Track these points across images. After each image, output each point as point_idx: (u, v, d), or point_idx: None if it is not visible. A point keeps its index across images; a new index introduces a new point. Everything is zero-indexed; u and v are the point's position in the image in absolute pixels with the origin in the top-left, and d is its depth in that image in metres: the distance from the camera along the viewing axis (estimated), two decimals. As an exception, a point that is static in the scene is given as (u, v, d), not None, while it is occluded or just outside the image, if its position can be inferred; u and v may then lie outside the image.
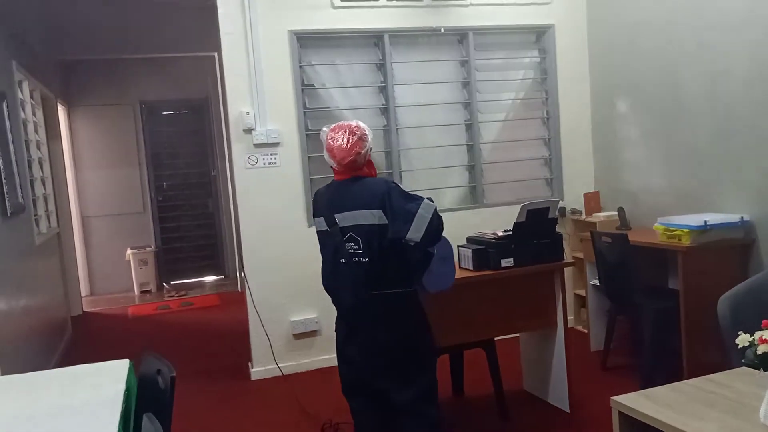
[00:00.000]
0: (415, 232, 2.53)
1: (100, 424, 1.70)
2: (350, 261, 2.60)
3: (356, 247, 2.58)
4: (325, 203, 2.70)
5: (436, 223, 2.56)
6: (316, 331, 4.47)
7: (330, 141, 2.63)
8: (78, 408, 1.88)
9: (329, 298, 2.82)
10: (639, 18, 4.46)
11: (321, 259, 2.78)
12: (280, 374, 4.27)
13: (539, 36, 5.01)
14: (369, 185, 2.65)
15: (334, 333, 2.86)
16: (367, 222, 2.57)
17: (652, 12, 4.34)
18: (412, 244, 2.55)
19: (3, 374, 3.16)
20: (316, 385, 4.14)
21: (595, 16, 4.94)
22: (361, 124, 2.70)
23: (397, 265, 2.61)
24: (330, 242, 2.66)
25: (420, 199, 2.58)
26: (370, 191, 2.61)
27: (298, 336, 4.45)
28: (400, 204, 2.56)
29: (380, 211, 2.56)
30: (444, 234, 2.66)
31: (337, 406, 3.63)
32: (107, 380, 2.07)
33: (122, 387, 2.00)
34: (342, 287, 2.67)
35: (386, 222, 2.55)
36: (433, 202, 2.60)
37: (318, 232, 2.75)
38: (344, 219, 2.60)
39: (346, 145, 2.60)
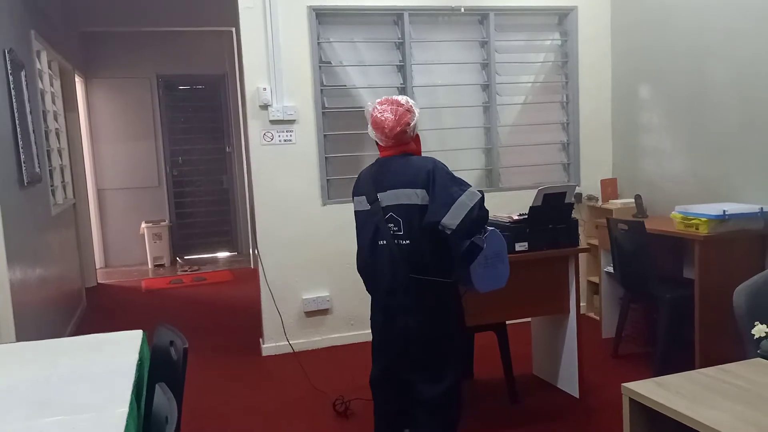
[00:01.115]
0: (452, 218, 2.36)
1: (113, 392, 1.72)
2: (390, 243, 2.46)
3: (396, 228, 2.46)
4: (368, 181, 2.57)
5: (477, 214, 2.38)
6: (327, 309, 4.49)
7: (378, 114, 2.51)
8: (92, 376, 1.89)
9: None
10: (665, 2, 4.37)
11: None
12: (291, 351, 4.30)
13: (561, 18, 4.93)
14: (415, 163, 2.51)
15: (370, 321, 2.73)
16: (409, 202, 2.44)
17: (677, -3, 4.26)
18: (448, 231, 2.37)
19: (19, 341, 3.20)
20: (326, 362, 4.16)
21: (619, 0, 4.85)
22: (409, 99, 2.60)
23: (439, 252, 2.45)
24: (370, 222, 2.53)
25: (466, 185, 2.43)
26: (414, 169, 2.48)
27: (309, 314, 4.47)
28: (444, 186, 2.40)
29: (424, 190, 2.42)
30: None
31: (347, 384, 3.66)
32: (121, 350, 2.09)
33: (135, 357, 2.01)
34: (380, 270, 2.52)
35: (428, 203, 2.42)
36: (481, 192, 2.44)
37: (356, 212, 2.61)
38: (386, 198, 2.49)
39: (395, 116, 2.49)
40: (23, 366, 2.04)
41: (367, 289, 2.68)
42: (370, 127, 2.57)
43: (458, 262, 2.47)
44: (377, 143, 2.62)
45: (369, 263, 2.56)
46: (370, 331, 2.77)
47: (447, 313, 2.56)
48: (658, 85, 4.55)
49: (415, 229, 2.43)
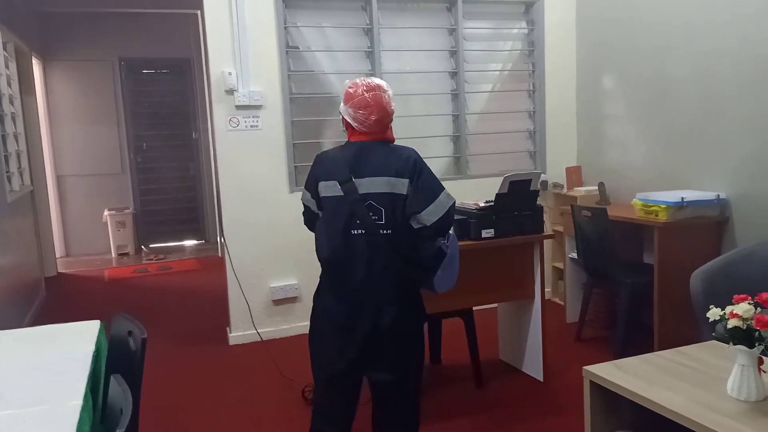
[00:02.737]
0: (431, 214, 2.32)
1: (67, 384, 1.67)
2: (370, 232, 2.30)
3: (376, 217, 2.31)
4: (340, 165, 2.35)
5: (451, 215, 2.39)
6: (295, 297, 4.46)
7: (369, 97, 2.33)
8: (46, 367, 1.84)
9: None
10: (629, -9, 4.42)
11: (304, 226, 2.54)
12: (259, 339, 4.26)
13: (528, 7, 4.95)
14: (399, 151, 2.38)
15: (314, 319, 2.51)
16: (395, 191, 2.31)
17: (642, -15, 4.30)
18: (419, 225, 2.33)
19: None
20: (294, 350, 4.13)
21: (585, -12, 4.88)
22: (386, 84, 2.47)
23: (416, 245, 2.39)
24: (342, 209, 2.33)
25: (442, 185, 2.40)
26: (401, 158, 2.35)
27: (277, 302, 4.43)
28: (427, 180, 2.35)
29: (408, 180, 2.32)
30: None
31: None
32: (77, 340, 2.04)
33: (92, 348, 1.96)
34: (353, 261, 2.33)
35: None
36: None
37: (324, 197, 2.38)
38: (366, 185, 2.32)
39: (384, 103, 2.35)
40: (-25, 357, 1.97)
41: (326, 280, 2.45)
42: (348, 107, 2.36)
43: (424, 263, 2.44)
44: (350, 126, 2.41)
45: (340, 253, 2.35)
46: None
47: (417, 307, 2.49)
48: (621, 76, 4.60)
49: (398, 219, 2.34)
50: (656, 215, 3.68)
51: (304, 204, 2.52)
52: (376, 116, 2.34)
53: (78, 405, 1.52)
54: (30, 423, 1.46)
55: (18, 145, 5.44)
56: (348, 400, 2.47)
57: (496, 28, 4.91)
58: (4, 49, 5.18)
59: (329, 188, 2.36)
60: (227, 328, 4.46)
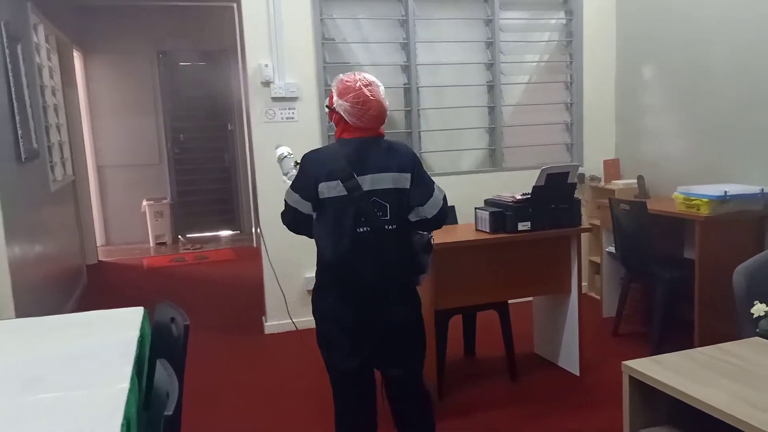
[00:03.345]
0: (432, 207, 2.38)
1: (114, 368, 1.71)
2: (377, 229, 2.29)
3: (381, 213, 2.29)
4: (340, 164, 2.29)
5: (446, 210, 2.43)
6: (328, 287, 4.48)
7: (367, 92, 2.29)
8: (92, 352, 1.89)
9: None
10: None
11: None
12: (295, 329, 4.30)
13: (567, -3, 4.88)
14: (396, 146, 2.40)
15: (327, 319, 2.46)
16: (400, 186, 2.32)
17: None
18: (418, 218, 2.37)
19: (18, 318, 3.20)
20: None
21: (625, -22, 4.79)
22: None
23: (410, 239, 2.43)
24: (349, 209, 2.28)
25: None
26: (399, 152, 2.37)
27: (312, 291, 4.46)
28: (425, 174, 2.40)
29: (410, 175, 2.35)
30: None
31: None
32: (121, 326, 2.08)
33: (136, 333, 2.01)
34: (362, 259, 2.31)
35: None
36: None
37: (326, 199, 2.29)
38: (370, 181, 2.29)
39: (383, 99, 2.33)
40: (21, 342, 2.03)
41: (328, 280, 2.40)
42: (344, 101, 2.30)
43: (419, 253, 2.48)
44: (341, 121, 2.35)
45: (348, 253, 2.31)
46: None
47: (419, 301, 2.51)
48: (661, 66, 4.51)
49: (403, 214, 2.36)
50: (698, 209, 3.60)
51: (289, 206, 2.39)
52: (375, 111, 2.31)
53: (125, 388, 1.55)
54: (80, 405, 1.50)
55: (60, 136, 5.58)
56: (367, 398, 2.47)
57: (534, 19, 4.85)
58: (47, 41, 5.30)
59: (332, 188, 2.29)
60: (263, 318, 4.52)
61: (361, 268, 2.33)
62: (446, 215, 2.46)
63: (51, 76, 5.39)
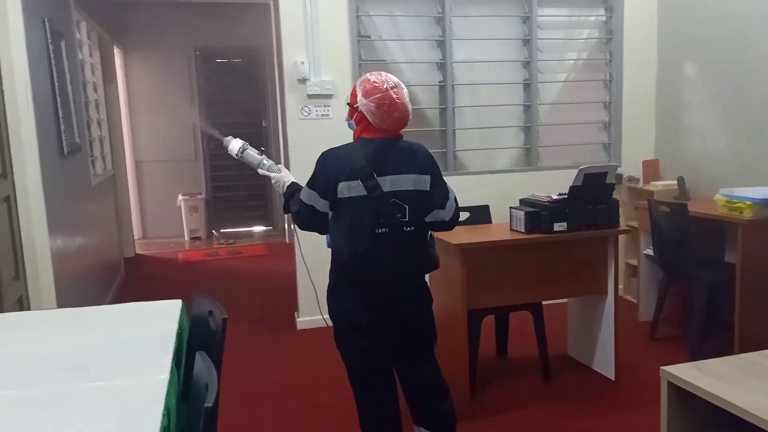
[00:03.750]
0: (449, 209, 2.42)
1: (154, 360, 1.74)
2: (395, 230, 2.30)
3: (400, 215, 2.30)
4: (361, 163, 2.27)
5: (459, 211, 2.48)
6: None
7: (394, 94, 2.28)
8: (132, 343, 1.92)
9: None
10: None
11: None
12: (326, 325, 4.32)
13: (607, -7, 4.80)
14: (415, 147, 2.39)
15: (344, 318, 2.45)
16: (419, 188, 2.33)
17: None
18: (435, 219, 2.41)
19: (59, 308, 3.28)
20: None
21: (667, -26, 4.69)
22: None
23: (430, 238, 2.48)
24: (368, 209, 2.28)
25: None
26: (419, 154, 2.37)
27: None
28: (442, 177, 2.43)
29: (430, 177, 2.36)
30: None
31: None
32: (160, 318, 2.12)
33: (175, 326, 2.03)
34: (380, 260, 2.32)
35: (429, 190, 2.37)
36: None
37: (345, 198, 2.28)
38: (390, 182, 2.28)
39: (407, 100, 2.32)
40: (64, 332, 2.08)
41: (343, 280, 2.41)
42: (369, 102, 2.27)
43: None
44: (363, 120, 2.33)
45: (366, 253, 2.30)
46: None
47: (431, 298, 2.52)
48: (703, 64, 4.41)
49: (420, 215, 2.37)
50: (741, 212, 3.51)
51: (304, 203, 2.37)
52: (400, 114, 2.30)
53: (165, 379, 1.58)
54: (120, 394, 1.53)
55: (101, 131, 5.69)
56: (387, 396, 2.49)
57: (572, 16, 4.78)
58: (88, 38, 5.41)
59: (352, 188, 2.28)
60: (295, 313, 4.55)
61: (379, 269, 2.34)
62: (459, 217, 2.50)
63: (93, 72, 5.50)
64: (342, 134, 4.39)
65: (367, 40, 4.43)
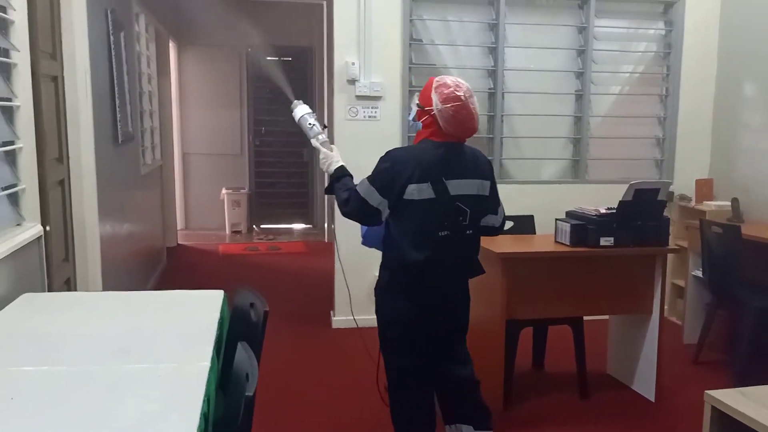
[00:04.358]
0: (500, 216, 2.53)
1: (195, 347, 1.76)
2: (457, 233, 2.34)
3: (461, 218, 2.35)
4: (432, 166, 2.29)
5: (505, 219, 2.56)
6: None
7: (471, 106, 2.29)
8: (175, 329, 1.95)
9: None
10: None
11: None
12: (356, 326, 4.32)
13: (667, 7, 4.69)
14: (477, 153, 2.45)
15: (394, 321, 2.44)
16: (481, 192, 2.39)
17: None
18: (488, 224, 2.49)
19: (104, 291, 3.35)
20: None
21: (731, -8, 4.57)
22: None
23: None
24: (434, 212, 2.30)
25: None
26: (480, 160, 2.44)
27: (377, 291, 4.47)
28: (496, 183, 2.51)
29: (490, 182, 2.44)
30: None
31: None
32: (203, 307, 2.14)
33: (216, 315, 2.05)
34: (440, 262, 2.34)
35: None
36: None
37: (412, 200, 2.28)
38: (456, 186, 2.32)
39: (478, 111, 2.35)
40: (110, 314, 2.12)
41: (398, 283, 2.40)
42: (448, 107, 2.27)
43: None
44: (433, 123, 2.32)
45: (429, 255, 2.32)
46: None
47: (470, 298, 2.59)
48: (764, 84, 4.27)
49: (478, 220, 2.42)
50: (797, 237, 3.39)
51: (359, 195, 2.35)
52: (472, 125, 2.34)
53: (206, 366, 1.59)
54: (164, 378, 1.55)
55: (152, 122, 5.82)
56: (429, 397, 2.53)
57: (630, 28, 4.69)
58: (146, 30, 5.54)
59: (422, 191, 2.28)
60: (331, 312, 4.56)
61: (439, 272, 2.37)
62: (505, 224, 2.59)
63: (148, 65, 5.63)
64: (389, 136, 4.42)
65: (419, 44, 4.42)
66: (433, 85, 2.34)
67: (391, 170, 2.32)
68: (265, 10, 7.63)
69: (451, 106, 2.27)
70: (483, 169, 2.42)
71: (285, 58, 8.43)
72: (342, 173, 2.50)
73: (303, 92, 8.26)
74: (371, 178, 2.36)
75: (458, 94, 2.28)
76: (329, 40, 4.75)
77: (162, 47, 6.58)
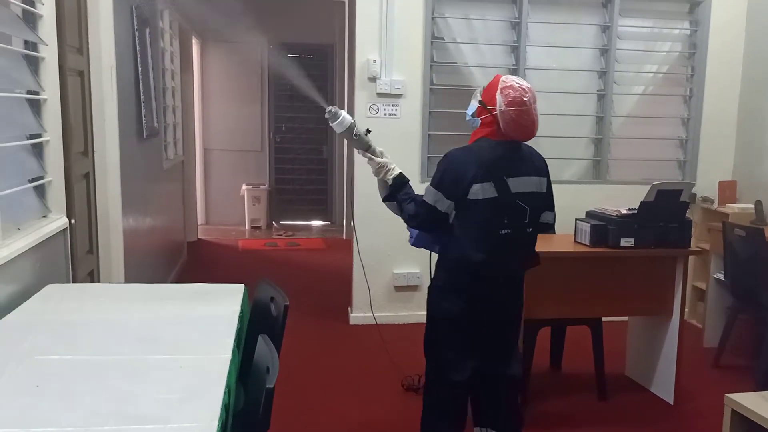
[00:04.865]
0: (554, 213, 2.53)
1: (217, 339, 1.78)
2: (517, 231, 2.34)
3: (522, 216, 2.34)
4: (494, 165, 2.29)
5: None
6: (416, 286, 4.49)
7: (534, 112, 2.30)
8: (196, 321, 1.97)
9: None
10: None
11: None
12: (375, 323, 4.33)
13: (693, 7, 4.64)
14: (533, 150, 2.44)
15: (445, 315, 2.43)
16: (539, 190, 2.39)
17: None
18: (543, 222, 2.48)
19: (126, 283, 3.40)
20: (409, 338, 4.16)
21: (759, -9, 4.50)
22: None
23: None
24: (496, 210, 2.29)
25: None
26: (537, 157, 2.43)
27: (399, 288, 4.49)
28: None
29: (546, 179, 2.44)
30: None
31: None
32: (224, 300, 2.17)
33: (237, 308, 2.08)
34: (501, 261, 2.34)
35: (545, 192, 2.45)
36: None
37: (475, 200, 2.27)
38: (517, 184, 2.32)
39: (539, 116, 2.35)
40: (133, 305, 2.15)
41: (456, 281, 2.39)
42: (510, 111, 2.26)
43: None
44: (493, 123, 2.30)
45: (489, 254, 2.31)
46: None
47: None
48: (794, 84, 4.20)
49: (537, 217, 2.42)
50: (822, 241, 3.34)
51: (428, 204, 2.34)
52: (532, 130, 2.34)
53: (227, 358, 1.61)
54: (186, 368, 1.57)
55: (175, 118, 5.88)
56: (464, 397, 2.53)
57: (655, 28, 4.64)
58: (170, 27, 5.60)
59: (486, 190, 2.27)
60: (349, 308, 4.58)
61: (499, 269, 2.38)
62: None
63: (171, 61, 5.68)
64: (409, 134, 4.42)
65: (441, 42, 4.42)
66: (500, 86, 2.31)
67: (454, 171, 2.30)
68: (287, 7, 7.66)
69: (515, 110, 2.27)
70: (539, 166, 2.42)
71: (306, 55, 8.46)
72: (402, 180, 2.46)
73: (324, 89, 8.29)
74: (436, 184, 2.34)
75: (525, 99, 2.27)
76: (351, 37, 4.77)
77: (185, 43, 6.64)
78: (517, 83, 2.31)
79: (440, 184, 2.33)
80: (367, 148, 2.52)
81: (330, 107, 2.50)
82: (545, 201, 2.45)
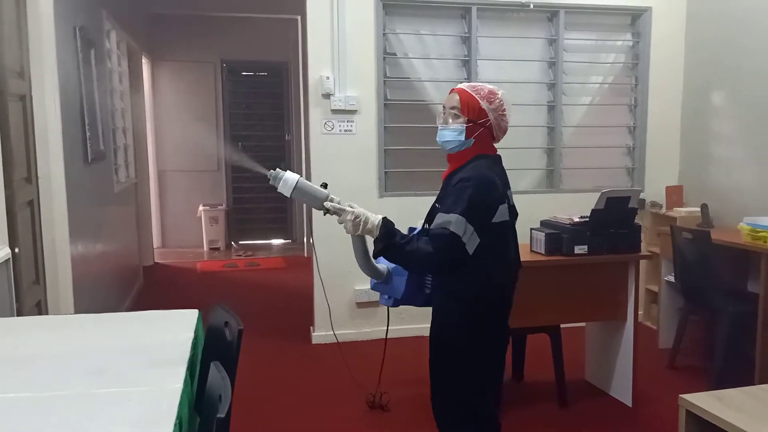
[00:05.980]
0: None
1: (168, 368, 1.73)
2: (515, 243, 2.28)
3: (514, 223, 2.26)
4: (503, 185, 2.19)
5: None
6: (377, 301, 4.47)
7: (507, 116, 2.25)
8: (147, 350, 1.92)
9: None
10: (742, 10, 4.21)
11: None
12: (336, 341, 4.30)
13: (634, 19, 4.78)
14: None
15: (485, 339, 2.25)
16: (513, 201, 2.30)
17: (755, 5, 4.09)
18: None
19: (77, 314, 3.30)
20: (372, 355, 4.14)
21: (695, 3, 4.66)
22: None
23: None
24: (510, 228, 2.21)
25: None
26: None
27: (361, 305, 4.47)
28: None
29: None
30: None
31: (389, 379, 3.59)
32: (177, 327, 2.12)
33: (191, 335, 2.03)
34: (515, 276, 2.29)
35: None
36: None
37: (501, 222, 2.13)
38: (509, 198, 2.24)
39: None
40: (81, 336, 2.09)
41: (493, 306, 2.20)
42: (500, 115, 2.21)
43: None
44: (488, 135, 2.21)
45: (511, 273, 2.25)
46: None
47: None
48: (730, 93, 4.37)
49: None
50: (765, 241, 3.46)
51: (459, 240, 2.04)
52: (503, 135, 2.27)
53: (179, 388, 1.57)
54: (134, 402, 1.52)
55: (126, 140, 5.76)
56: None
57: (599, 40, 4.77)
58: (118, 47, 5.50)
59: (503, 211, 2.14)
60: (311, 327, 4.53)
61: (510, 288, 2.27)
62: None
63: (120, 81, 5.58)
64: (365, 150, 4.42)
65: (393, 58, 4.45)
66: (479, 96, 2.18)
67: (488, 198, 2.11)
68: (240, 25, 7.63)
69: (502, 113, 2.20)
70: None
71: (260, 73, 8.42)
72: (391, 226, 2.12)
73: (279, 107, 8.26)
74: (469, 215, 2.05)
75: (501, 99, 2.20)
76: (304, 54, 4.76)
77: (135, 63, 6.53)
78: (488, 87, 2.24)
79: (474, 215, 2.06)
80: (325, 200, 2.22)
81: (270, 171, 2.19)
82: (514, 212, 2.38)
